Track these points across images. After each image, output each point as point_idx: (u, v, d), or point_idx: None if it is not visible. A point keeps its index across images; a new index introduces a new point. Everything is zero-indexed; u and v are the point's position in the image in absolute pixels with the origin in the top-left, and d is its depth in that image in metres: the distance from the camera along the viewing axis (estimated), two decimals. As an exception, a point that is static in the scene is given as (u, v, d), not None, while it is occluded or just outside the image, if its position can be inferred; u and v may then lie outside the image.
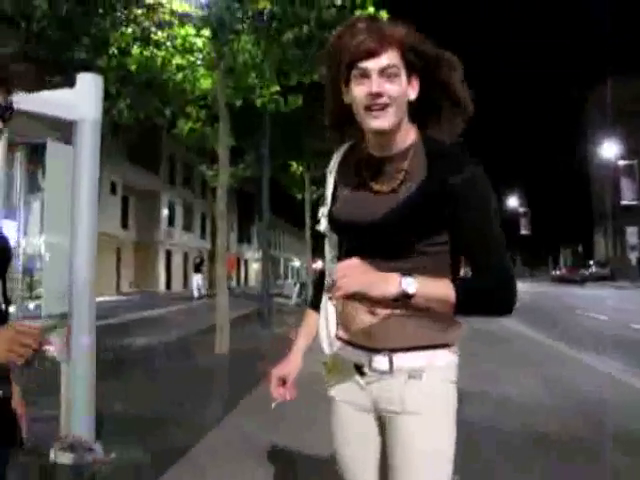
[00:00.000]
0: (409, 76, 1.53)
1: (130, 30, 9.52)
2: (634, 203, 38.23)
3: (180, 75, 9.12)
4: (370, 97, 1.50)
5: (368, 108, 1.51)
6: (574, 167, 59.78)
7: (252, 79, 9.70)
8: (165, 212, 38.09)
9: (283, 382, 1.75)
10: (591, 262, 47.41)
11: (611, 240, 48.74)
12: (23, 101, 3.14)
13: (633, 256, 41.79)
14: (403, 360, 1.55)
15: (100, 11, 8.45)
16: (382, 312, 1.53)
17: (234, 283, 47.60)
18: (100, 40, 9.28)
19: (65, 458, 3.51)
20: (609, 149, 43.04)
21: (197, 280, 26.56)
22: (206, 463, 3.87)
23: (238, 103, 10.19)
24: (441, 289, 1.43)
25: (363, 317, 1.57)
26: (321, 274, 1.83)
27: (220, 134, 8.60)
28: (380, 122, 1.51)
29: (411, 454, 1.55)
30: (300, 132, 15.32)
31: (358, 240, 1.59)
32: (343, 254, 1.64)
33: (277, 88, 9.76)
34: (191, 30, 9.56)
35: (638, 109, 42.69)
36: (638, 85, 43.43)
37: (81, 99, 3.81)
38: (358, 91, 1.52)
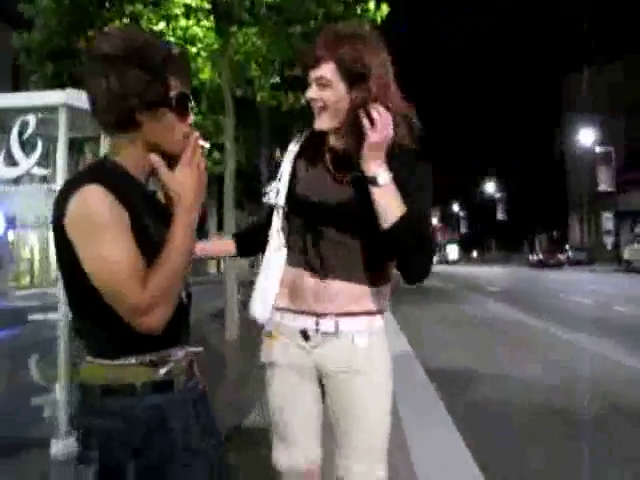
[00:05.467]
0: (350, 85, 1.75)
1: (127, 21, 9.62)
2: (610, 189, 39.12)
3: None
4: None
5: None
6: (550, 153, 60.62)
7: (253, 71, 9.88)
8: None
9: None
10: (567, 247, 48.32)
11: (586, 225, 49.76)
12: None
13: (609, 241, 42.78)
14: (347, 324, 1.80)
15: (106, 5, 8.55)
16: (326, 278, 1.80)
17: (214, 270, 47.49)
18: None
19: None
20: (586, 135, 43.83)
21: None
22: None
23: (238, 94, 10.36)
24: (398, 201, 1.71)
25: (309, 282, 1.81)
26: (259, 225, 2.04)
27: (226, 125, 8.77)
28: (317, 123, 1.82)
29: (358, 409, 1.79)
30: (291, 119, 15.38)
31: (310, 215, 1.84)
32: (292, 226, 1.89)
33: (277, 80, 9.94)
34: (191, 21, 9.69)
35: (614, 95, 43.49)
36: (614, 72, 44.20)
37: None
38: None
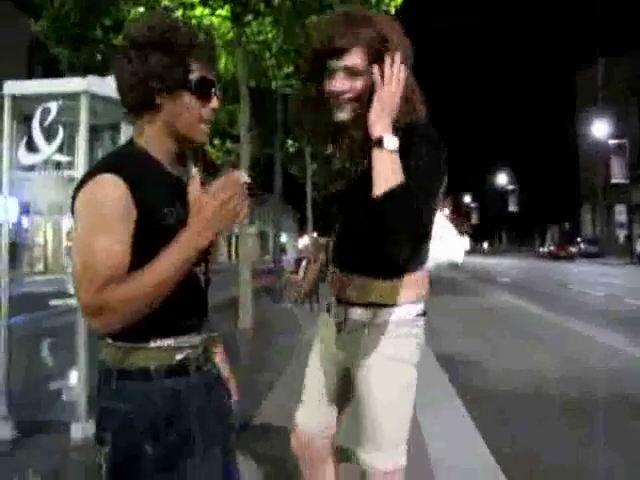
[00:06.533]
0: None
1: (142, 9, 9.62)
2: (623, 181, 38.87)
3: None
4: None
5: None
6: (563, 145, 60.27)
7: (266, 60, 9.88)
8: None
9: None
10: (579, 239, 48.03)
11: (599, 218, 49.48)
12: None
13: (621, 234, 42.51)
14: (352, 313, 1.78)
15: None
16: (340, 268, 1.84)
17: (225, 258, 47.68)
18: (118, 21, 9.42)
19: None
20: (599, 128, 43.45)
21: None
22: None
23: (251, 84, 10.38)
24: (396, 171, 1.53)
25: (340, 277, 1.84)
26: None
27: (241, 114, 8.79)
28: (339, 115, 1.69)
29: (362, 397, 1.78)
30: None
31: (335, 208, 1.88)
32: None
33: (291, 70, 9.93)
34: (206, 10, 9.68)
35: (628, 89, 43.08)
36: (628, 64, 43.77)
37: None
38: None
